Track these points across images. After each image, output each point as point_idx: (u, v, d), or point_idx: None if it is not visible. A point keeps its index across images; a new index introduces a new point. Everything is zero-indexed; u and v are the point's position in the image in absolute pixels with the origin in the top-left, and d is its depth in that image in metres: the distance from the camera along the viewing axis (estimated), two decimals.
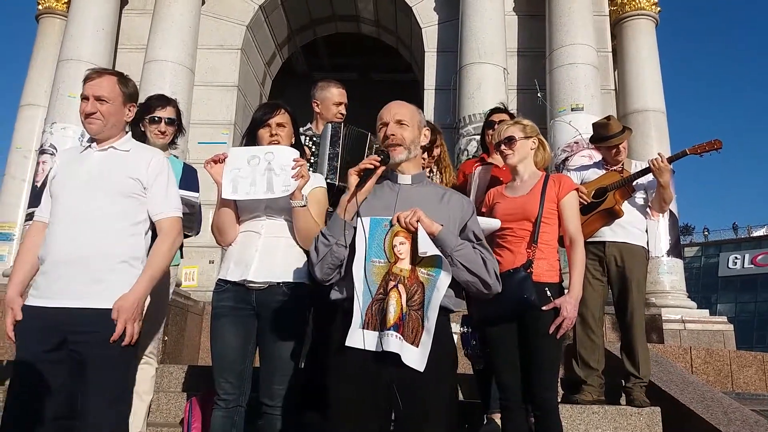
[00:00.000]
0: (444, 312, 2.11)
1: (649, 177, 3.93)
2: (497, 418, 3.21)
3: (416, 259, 2.07)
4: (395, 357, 1.98)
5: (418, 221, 2.06)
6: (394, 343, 1.98)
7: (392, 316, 2.00)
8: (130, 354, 2.37)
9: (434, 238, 2.07)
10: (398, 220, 2.08)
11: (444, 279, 2.05)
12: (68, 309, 2.25)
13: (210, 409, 2.73)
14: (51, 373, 2.24)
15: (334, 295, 2.22)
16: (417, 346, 2.00)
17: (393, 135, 2.25)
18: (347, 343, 2.03)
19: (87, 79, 2.50)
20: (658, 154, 3.82)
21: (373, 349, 2.01)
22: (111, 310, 2.27)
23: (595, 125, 4.22)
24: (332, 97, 3.70)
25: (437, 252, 2.03)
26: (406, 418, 2.02)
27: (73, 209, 2.35)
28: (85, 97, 2.46)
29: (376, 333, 2.02)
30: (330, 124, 3.50)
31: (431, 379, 2.01)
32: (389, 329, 1.99)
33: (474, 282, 2.13)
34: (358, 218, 2.12)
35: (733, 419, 3.77)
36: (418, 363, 1.99)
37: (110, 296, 2.29)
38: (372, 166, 2.16)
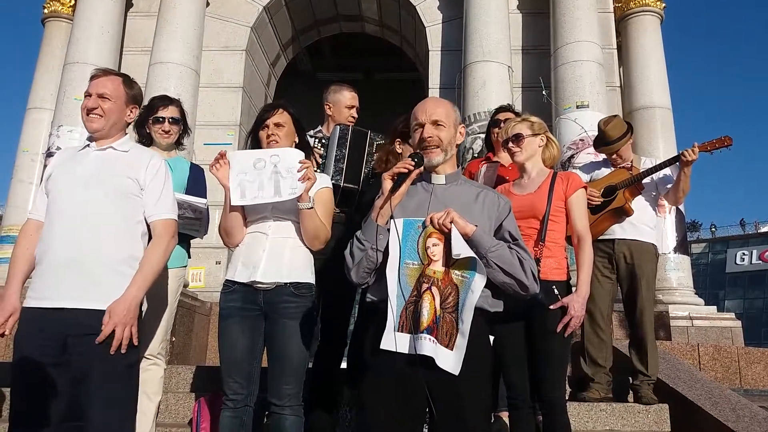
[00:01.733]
0: (480, 313, 2.06)
1: (660, 174, 3.92)
2: (505, 416, 3.21)
3: (450, 261, 2.02)
4: (430, 360, 1.94)
5: (451, 222, 2.01)
6: (427, 346, 1.95)
7: (426, 319, 1.97)
8: (133, 355, 2.34)
9: (468, 239, 2.02)
10: (431, 222, 2.04)
11: (479, 281, 2.00)
12: (66, 310, 2.23)
13: (218, 410, 2.74)
14: (53, 375, 2.22)
15: (368, 298, 2.19)
16: (451, 350, 1.96)
17: (430, 137, 2.18)
18: (381, 346, 1.99)
19: (92, 78, 2.50)
20: (694, 144, 3.78)
21: (406, 352, 1.98)
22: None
23: (598, 125, 4.20)
24: (344, 100, 3.71)
25: (471, 254, 1.99)
26: (441, 423, 1.99)
27: (71, 209, 2.33)
28: (88, 95, 2.46)
29: (410, 336, 1.99)
30: (338, 126, 3.52)
31: (467, 382, 1.98)
32: (423, 332, 1.96)
33: (510, 284, 2.08)
34: (392, 220, 2.08)
35: (741, 416, 3.76)
36: (452, 366, 1.95)
37: (109, 298, 2.27)
38: (406, 170, 2.10)
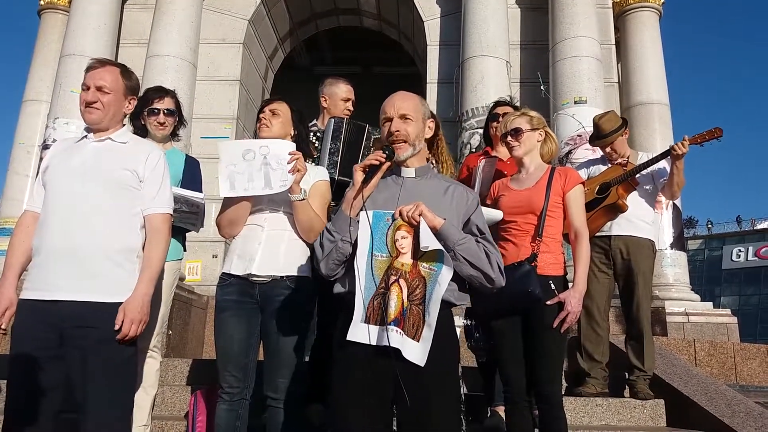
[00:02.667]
0: (446, 306, 2.09)
1: (655, 167, 3.92)
2: (501, 411, 3.21)
3: (418, 254, 2.05)
4: (397, 351, 1.97)
5: (420, 215, 2.04)
6: (395, 337, 1.98)
7: (393, 310, 1.99)
8: (133, 347, 2.34)
9: (437, 232, 2.04)
10: (401, 214, 2.06)
11: (446, 273, 2.03)
12: (64, 302, 2.23)
13: (215, 403, 2.74)
14: (49, 367, 2.22)
15: (337, 288, 2.21)
16: (418, 341, 1.99)
17: (397, 131, 2.20)
18: (348, 337, 2.01)
19: (89, 69, 2.47)
20: (684, 137, 3.77)
21: (374, 343, 2.00)
22: (108, 303, 2.26)
23: (593, 120, 4.21)
24: (340, 93, 3.70)
25: (439, 246, 2.02)
26: (410, 412, 2.01)
27: (68, 200, 2.32)
28: (86, 87, 2.43)
29: (378, 327, 2.01)
30: (333, 119, 3.51)
31: (434, 373, 2.00)
32: (390, 324, 1.98)
33: (477, 276, 2.11)
34: (362, 212, 2.10)
35: (736, 411, 3.77)
36: (418, 358, 1.98)
37: (106, 289, 2.27)
38: (377, 162, 2.13)
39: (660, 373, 4.24)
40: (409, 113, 2.22)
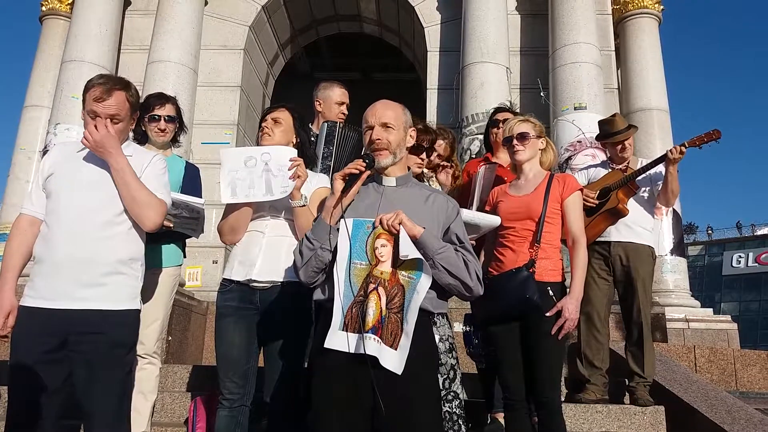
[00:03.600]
0: (425, 314, 2.10)
1: (653, 171, 3.92)
2: (501, 417, 3.21)
3: (397, 262, 2.06)
4: (375, 359, 1.97)
5: (400, 224, 2.05)
6: (372, 345, 1.98)
7: (371, 318, 1.99)
8: (133, 355, 2.40)
9: (416, 241, 2.06)
10: (381, 223, 2.08)
11: (424, 282, 2.05)
12: (70, 311, 2.25)
13: (214, 409, 2.74)
14: (51, 373, 2.23)
15: (317, 296, 2.22)
16: (395, 349, 1.99)
17: (378, 140, 2.22)
18: (326, 345, 2.02)
19: (95, 95, 2.38)
20: (684, 143, 3.77)
21: (352, 351, 2.00)
22: (112, 311, 2.28)
23: (600, 122, 4.22)
24: (335, 97, 3.71)
25: (418, 255, 2.03)
26: (389, 420, 2.00)
27: (73, 212, 2.33)
28: (93, 113, 2.38)
29: (356, 335, 2.01)
30: (326, 123, 3.51)
31: (412, 380, 2.00)
32: (368, 332, 1.99)
33: (455, 285, 2.13)
34: (342, 220, 2.11)
35: (737, 418, 3.77)
36: (396, 366, 1.98)
37: (111, 298, 2.30)
38: (357, 171, 2.14)
39: (660, 380, 4.23)
40: (390, 122, 2.24)
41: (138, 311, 2.41)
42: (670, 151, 3.75)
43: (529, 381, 2.74)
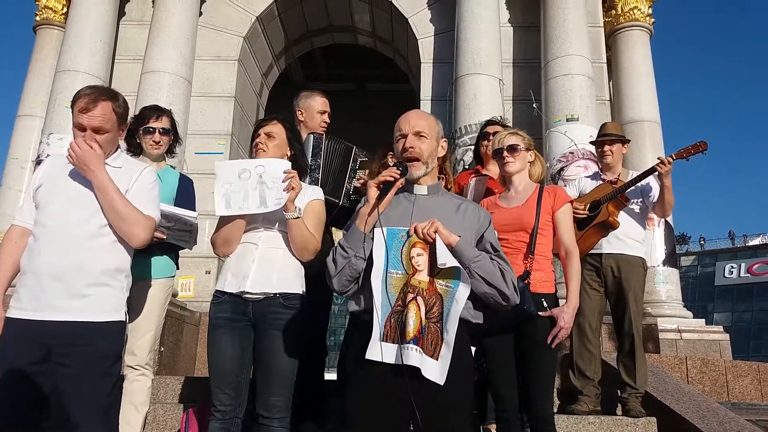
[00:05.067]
0: (462, 324, 2.07)
1: (642, 183, 3.95)
2: (493, 428, 3.21)
3: (434, 271, 2.04)
4: (414, 370, 1.95)
5: (435, 232, 2.04)
6: (413, 356, 1.96)
7: (411, 328, 1.98)
8: (119, 367, 2.38)
9: (452, 249, 2.04)
10: (416, 231, 2.06)
11: (463, 291, 2.02)
12: (54, 322, 2.24)
13: (207, 421, 2.73)
14: (36, 385, 2.22)
15: (352, 307, 2.20)
16: (437, 359, 1.97)
17: (411, 148, 2.21)
18: (367, 356, 1.99)
19: (81, 106, 2.38)
20: (671, 155, 3.81)
21: (392, 362, 1.98)
22: (97, 323, 2.27)
23: (600, 126, 4.34)
24: (316, 106, 3.71)
25: (456, 263, 2.01)
26: (425, 430, 1.99)
27: (60, 223, 2.32)
28: (80, 126, 2.39)
29: (396, 346, 1.99)
30: (312, 135, 3.51)
31: (451, 392, 1.99)
32: (409, 342, 1.97)
33: (492, 294, 2.10)
34: (377, 228, 2.09)
35: (728, 429, 3.78)
36: (438, 376, 1.96)
37: (96, 310, 2.29)
38: (392, 179, 2.13)
39: (652, 391, 4.24)
40: (424, 131, 2.23)
41: (122, 323, 2.39)
42: (660, 165, 3.77)
43: (522, 392, 2.74)
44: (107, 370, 2.29)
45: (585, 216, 3.87)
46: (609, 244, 3.99)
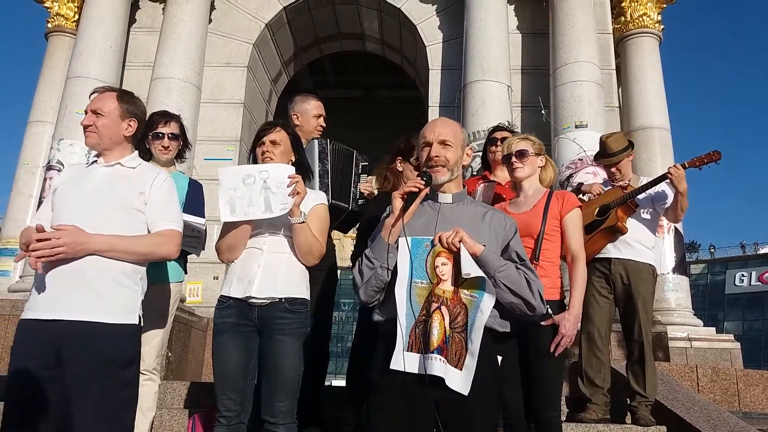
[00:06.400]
0: (488, 333, 2.05)
1: (655, 190, 3.91)
2: None
3: (459, 280, 2.02)
4: (438, 380, 1.94)
5: (460, 241, 2.02)
6: (438, 366, 1.95)
7: (436, 338, 1.96)
8: (131, 372, 2.33)
9: (477, 259, 2.02)
10: (440, 240, 2.05)
11: (488, 301, 2.00)
12: (66, 321, 2.23)
13: (212, 427, 2.72)
14: (47, 387, 2.21)
15: (376, 317, 2.19)
16: (461, 369, 1.96)
17: (437, 156, 2.20)
18: (391, 366, 1.98)
19: (91, 95, 2.56)
20: (684, 163, 3.75)
21: (416, 371, 1.97)
22: (110, 324, 2.25)
23: (600, 139, 4.23)
24: (311, 110, 3.71)
25: (480, 273, 1.99)
26: None
27: (74, 222, 2.32)
28: (86, 112, 2.52)
29: (419, 356, 1.98)
30: (316, 141, 3.52)
31: (475, 402, 1.97)
32: (433, 352, 1.96)
33: (518, 304, 2.08)
34: (401, 238, 2.08)
35: None
36: (462, 387, 1.95)
37: (109, 310, 2.27)
38: (416, 189, 2.12)
39: (662, 399, 4.20)
40: (449, 139, 2.22)
41: (135, 326, 2.36)
42: (671, 172, 3.72)
43: (528, 399, 2.72)
44: (119, 375, 2.26)
45: (592, 222, 3.84)
46: (618, 250, 3.96)
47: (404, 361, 1.98)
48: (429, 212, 2.23)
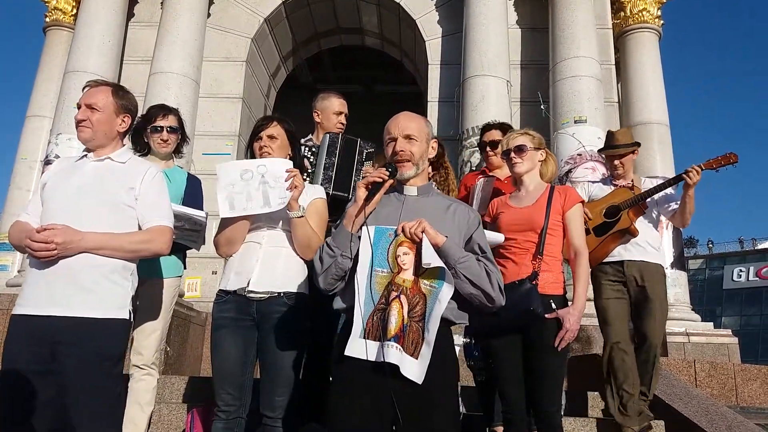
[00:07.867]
0: (445, 323, 2.09)
1: (661, 193, 3.86)
2: (500, 431, 3.19)
3: (419, 270, 2.05)
4: (395, 368, 1.96)
5: (422, 231, 2.04)
6: (394, 354, 1.97)
7: (393, 326, 1.99)
8: (121, 367, 2.34)
9: (438, 250, 2.04)
10: (403, 230, 2.07)
11: (446, 291, 2.03)
12: (57, 317, 2.22)
13: (211, 421, 2.73)
14: (40, 383, 2.20)
15: (337, 304, 2.21)
16: (416, 358, 1.98)
17: (402, 151, 2.22)
18: (347, 352, 2.01)
19: (84, 89, 2.53)
20: (701, 165, 3.70)
21: (373, 359, 1.99)
22: (101, 319, 2.24)
23: (607, 133, 4.18)
24: (333, 107, 3.72)
25: (441, 264, 2.01)
26: (407, 430, 2.00)
27: (64, 217, 2.30)
28: (79, 106, 2.49)
29: (377, 343, 2.00)
30: (328, 135, 3.53)
31: (431, 390, 2.00)
32: (390, 340, 1.98)
33: (477, 295, 2.11)
34: (363, 227, 2.10)
35: None
36: (417, 375, 1.97)
37: (99, 306, 2.26)
38: (380, 180, 2.14)
39: (660, 394, 4.20)
40: (413, 134, 2.24)
41: (126, 321, 2.35)
42: (689, 176, 3.65)
43: (529, 394, 2.72)
44: (109, 369, 2.27)
45: (601, 224, 3.77)
46: (629, 252, 3.84)
47: (359, 347, 2.01)
48: (394, 203, 2.26)
